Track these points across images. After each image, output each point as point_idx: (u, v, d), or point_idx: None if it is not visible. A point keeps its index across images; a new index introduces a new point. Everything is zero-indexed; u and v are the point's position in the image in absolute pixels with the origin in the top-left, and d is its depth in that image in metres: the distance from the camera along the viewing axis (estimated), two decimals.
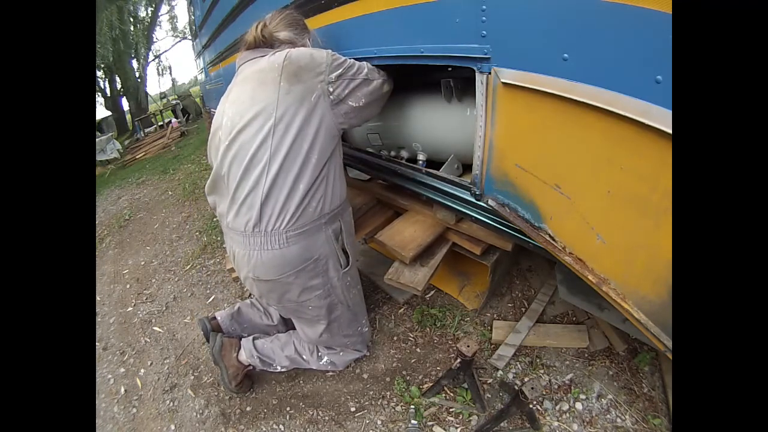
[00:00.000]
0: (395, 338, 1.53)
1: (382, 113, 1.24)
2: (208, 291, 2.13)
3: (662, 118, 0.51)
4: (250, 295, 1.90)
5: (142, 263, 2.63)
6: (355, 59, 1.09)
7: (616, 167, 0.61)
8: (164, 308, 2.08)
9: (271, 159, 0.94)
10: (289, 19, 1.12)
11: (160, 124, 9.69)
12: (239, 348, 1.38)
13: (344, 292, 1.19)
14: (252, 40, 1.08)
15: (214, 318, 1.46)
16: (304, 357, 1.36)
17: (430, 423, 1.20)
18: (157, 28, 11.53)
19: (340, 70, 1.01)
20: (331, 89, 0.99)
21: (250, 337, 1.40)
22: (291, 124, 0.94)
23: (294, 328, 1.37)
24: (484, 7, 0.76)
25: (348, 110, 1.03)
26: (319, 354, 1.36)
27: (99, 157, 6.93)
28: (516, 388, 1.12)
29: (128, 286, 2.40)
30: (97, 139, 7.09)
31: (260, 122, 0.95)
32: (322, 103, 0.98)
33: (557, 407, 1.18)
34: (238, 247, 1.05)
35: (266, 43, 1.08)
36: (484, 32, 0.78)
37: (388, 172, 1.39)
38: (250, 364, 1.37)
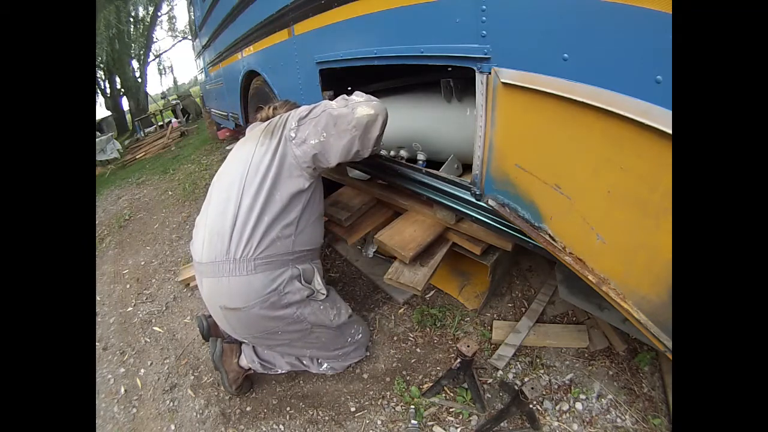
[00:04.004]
0: (395, 338, 1.53)
1: None
2: None
3: (662, 118, 0.51)
4: None
5: (142, 263, 2.63)
6: (355, 59, 1.09)
7: (616, 167, 0.61)
8: (164, 308, 2.07)
9: (243, 195, 1.09)
10: (291, 107, 1.35)
11: (160, 124, 9.68)
12: (240, 353, 1.38)
13: (319, 316, 1.20)
14: (265, 116, 1.35)
15: (211, 315, 1.46)
16: (305, 362, 1.37)
17: (430, 423, 1.20)
18: (157, 28, 11.52)
19: (303, 114, 1.13)
20: (293, 134, 1.12)
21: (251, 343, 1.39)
22: (260, 167, 1.11)
23: None
24: (484, 7, 0.76)
25: (308, 149, 1.10)
26: (319, 361, 1.37)
27: (99, 157, 6.91)
28: (516, 388, 1.12)
29: (128, 286, 2.40)
30: (97, 139, 7.07)
31: (239, 167, 1.15)
32: (284, 147, 1.12)
33: (557, 407, 1.18)
34: (208, 278, 1.12)
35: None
36: (484, 32, 0.78)
37: (388, 172, 1.39)
38: (250, 368, 1.37)
